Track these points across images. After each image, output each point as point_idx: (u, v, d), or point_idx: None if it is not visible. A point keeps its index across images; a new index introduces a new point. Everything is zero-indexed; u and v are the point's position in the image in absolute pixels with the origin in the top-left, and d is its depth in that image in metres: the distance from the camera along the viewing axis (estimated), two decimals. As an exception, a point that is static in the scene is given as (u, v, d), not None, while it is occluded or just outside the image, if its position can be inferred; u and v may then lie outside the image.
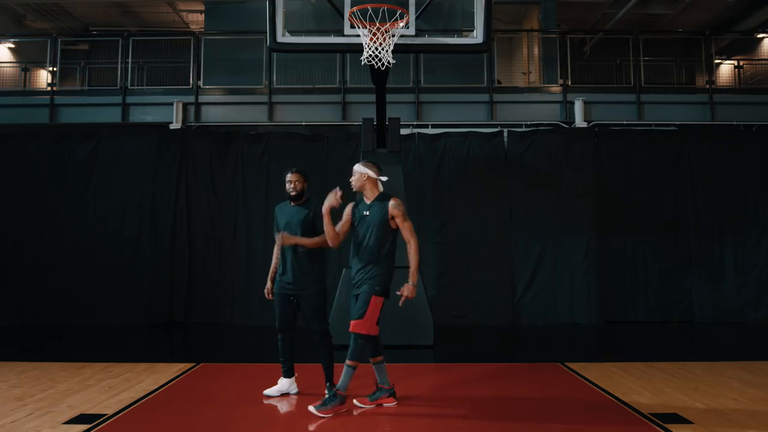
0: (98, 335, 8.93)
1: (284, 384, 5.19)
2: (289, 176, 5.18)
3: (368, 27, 6.35)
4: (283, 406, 4.89)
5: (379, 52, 6.39)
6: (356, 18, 6.40)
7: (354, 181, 4.92)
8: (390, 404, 4.83)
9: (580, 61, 12.15)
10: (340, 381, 4.66)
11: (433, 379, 6.12)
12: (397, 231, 4.80)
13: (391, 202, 4.75)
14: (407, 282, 4.65)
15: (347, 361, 4.67)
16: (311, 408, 4.59)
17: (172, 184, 10.28)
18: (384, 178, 4.94)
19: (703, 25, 14.15)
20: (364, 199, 4.92)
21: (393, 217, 4.73)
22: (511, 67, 13.39)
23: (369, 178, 4.88)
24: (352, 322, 4.68)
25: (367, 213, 4.81)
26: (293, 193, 5.15)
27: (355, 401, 4.82)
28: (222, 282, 10.08)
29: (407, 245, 4.72)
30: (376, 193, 4.87)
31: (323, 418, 4.50)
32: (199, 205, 10.30)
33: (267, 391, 5.15)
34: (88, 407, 4.76)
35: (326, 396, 4.71)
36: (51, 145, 10.41)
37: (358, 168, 4.92)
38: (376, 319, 4.67)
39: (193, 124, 10.99)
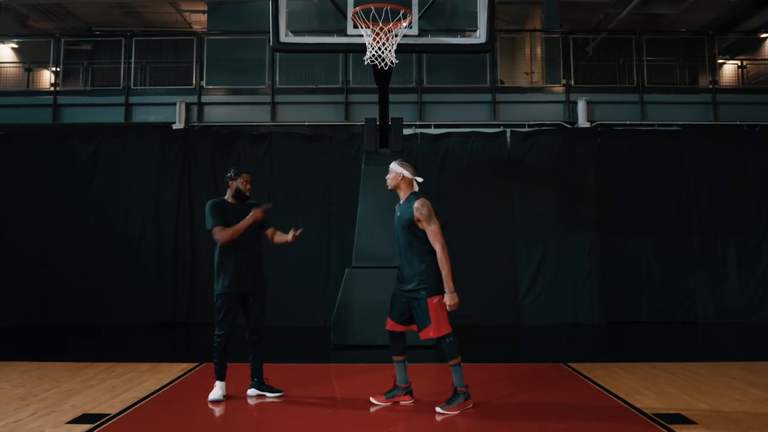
0: (101, 335, 8.95)
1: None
2: (246, 176, 5.25)
3: (371, 27, 6.36)
4: (285, 406, 4.88)
5: (382, 52, 6.39)
6: (359, 18, 6.40)
7: (389, 179, 4.87)
8: (406, 402, 4.84)
9: (582, 61, 12.13)
10: (455, 380, 4.69)
11: (436, 379, 6.11)
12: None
13: (416, 204, 4.64)
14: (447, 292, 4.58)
15: (450, 362, 4.67)
16: (438, 408, 4.64)
17: (174, 184, 10.28)
18: (420, 179, 4.87)
19: (706, 25, 14.12)
20: (399, 198, 4.88)
21: (418, 220, 4.63)
22: (514, 67, 13.40)
23: (404, 177, 4.81)
24: (424, 331, 4.65)
25: (398, 213, 4.80)
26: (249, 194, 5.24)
27: (371, 399, 4.84)
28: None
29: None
30: (409, 193, 4.80)
31: (451, 415, 4.57)
32: (202, 204, 10.23)
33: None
34: (91, 407, 4.76)
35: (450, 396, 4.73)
36: (54, 145, 10.42)
37: (395, 167, 4.85)
38: (445, 317, 4.62)
39: (195, 124, 11.00)
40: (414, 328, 4.80)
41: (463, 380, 4.69)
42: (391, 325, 4.92)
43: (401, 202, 4.83)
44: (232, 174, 5.27)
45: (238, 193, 5.24)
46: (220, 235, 5.06)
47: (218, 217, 5.09)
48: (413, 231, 4.66)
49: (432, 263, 4.65)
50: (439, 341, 4.68)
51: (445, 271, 4.60)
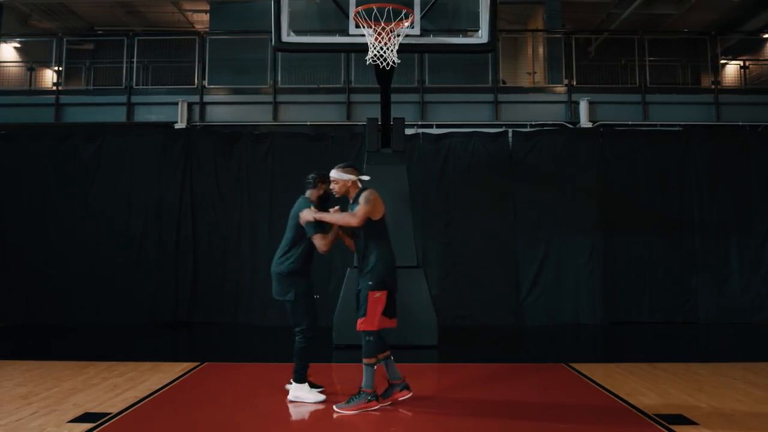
0: (103, 334, 8.95)
1: None
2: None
3: (373, 27, 6.35)
4: (286, 406, 4.88)
5: (384, 52, 6.38)
6: (361, 18, 6.39)
7: (336, 189, 4.93)
8: (405, 397, 4.83)
9: (584, 61, 12.13)
10: (364, 380, 4.68)
11: (437, 379, 6.12)
12: (381, 222, 4.78)
13: (364, 192, 4.78)
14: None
15: (363, 360, 4.67)
16: (335, 406, 4.65)
17: (176, 184, 10.29)
18: (365, 177, 4.94)
19: (709, 26, 14.10)
20: (350, 201, 4.95)
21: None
22: (516, 67, 13.39)
23: (352, 182, 4.91)
24: (358, 321, 4.68)
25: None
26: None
27: (335, 407, 4.72)
28: (226, 281, 10.09)
29: None
30: (357, 192, 4.91)
31: (346, 415, 4.55)
32: (204, 204, 10.31)
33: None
34: (92, 406, 4.77)
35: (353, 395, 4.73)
36: (56, 144, 10.44)
37: (338, 175, 4.90)
38: (380, 313, 4.66)
39: (197, 123, 11.01)
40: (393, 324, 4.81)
41: (373, 382, 4.67)
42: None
43: (351, 203, 4.92)
44: (317, 177, 5.30)
45: (325, 197, 5.30)
46: (321, 243, 4.98)
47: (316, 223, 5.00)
48: (365, 225, 4.74)
49: (381, 257, 4.72)
50: (362, 336, 4.69)
51: (332, 218, 4.82)
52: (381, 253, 4.76)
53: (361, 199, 4.74)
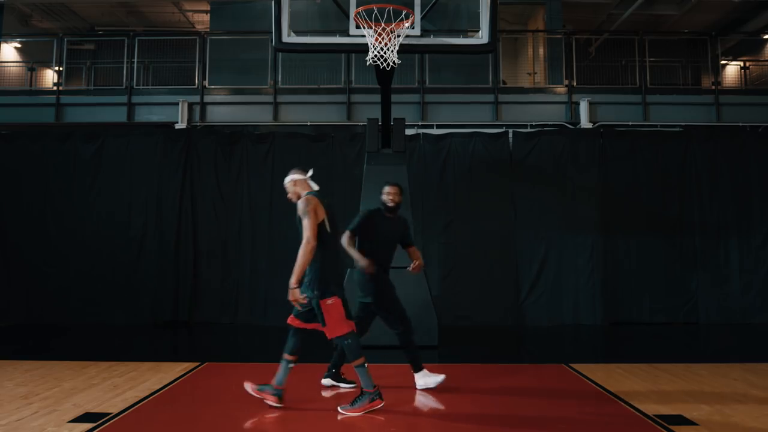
0: (103, 334, 8.95)
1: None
2: (387, 189, 5.37)
3: (373, 27, 6.36)
4: (286, 406, 4.88)
5: (385, 53, 6.39)
6: (361, 18, 6.40)
7: (290, 196, 4.89)
8: (378, 406, 4.63)
9: (585, 62, 12.12)
10: (362, 381, 4.65)
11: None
12: (322, 227, 4.63)
13: (299, 201, 4.66)
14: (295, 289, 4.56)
15: (352, 363, 4.66)
16: (339, 408, 4.64)
17: (177, 184, 10.29)
18: (310, 173, 4.90)
19: (709, 26, 14.09)
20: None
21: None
22: (517, 67, 13.40)
23: (297, 182, 4.85)
24: (325, 331, 4.66)
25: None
26: (391, 205, 5.34)
27: (339, 408, 4.70)
28: (227, 281, 10.09)
29: None
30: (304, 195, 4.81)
31: (352, 416, 4.53)
32: (204, 204, 10.31)
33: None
34: (92, 406, 4.77)
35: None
36: (57, 144, 10.44)
37: (287, 183, 4.90)
38: (340, 317, 4.60)
39: (198, 123, 11.02)
40: (316, 326, 4.75)
41: (371, 380, 4.63)
42: (291, 318, 4.80)
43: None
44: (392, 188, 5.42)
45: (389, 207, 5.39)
46: (343, 242, 5.20)
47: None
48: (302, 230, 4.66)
49: (321, 264, 4.61)
50: (336, 343, 4.69)
51: (297, 265, 4.49)
52: (323, 260, 4.62)
53: (300, 212, 4.57)
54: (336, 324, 4.60)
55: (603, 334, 9.32)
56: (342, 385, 5.39)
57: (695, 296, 10.07)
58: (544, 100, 11.33)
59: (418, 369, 5.40)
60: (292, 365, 4.73)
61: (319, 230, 4.58)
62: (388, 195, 5.34)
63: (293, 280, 4.50)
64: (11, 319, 9.77)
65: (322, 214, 4.63)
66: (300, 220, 4.59)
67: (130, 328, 9.42)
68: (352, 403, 4.63)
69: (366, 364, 4.66)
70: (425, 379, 5.35)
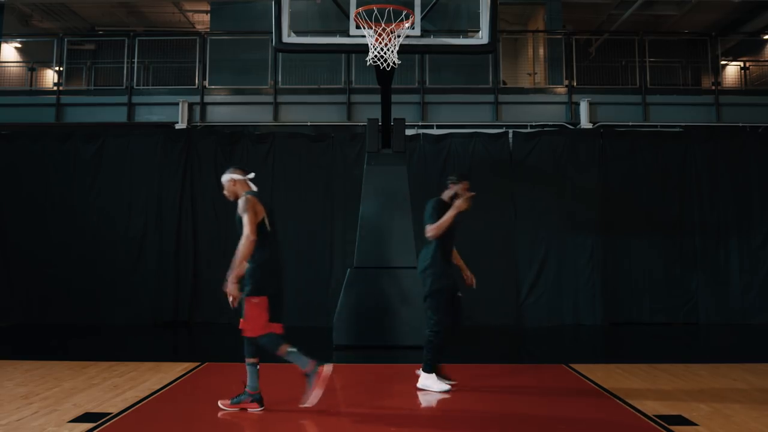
0: (103, 334, 8.96)
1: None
2: (463, 183, 5.56)
3: (374, 27, 6.36)
4: (286, 406, 4.88)
5: (385, 53, 6.40)
6: (362, 18, 6.41)
7: (228, 194, 4.93)
8: (254, 410, 4.65)
9: (585, 62, 12.13)
10: (248, 381, 4.68)
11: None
12: (262, 226, 4.70)
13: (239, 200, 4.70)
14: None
15: (246, 360, 4.68)
16: (220, 403, 4.69)
17: (177, 184, 10.29)
18: (251, 175, 4.94)
19: (709, 26, 14.10)
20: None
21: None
22: (517, 67, 13.40)
23: (237, 181, 4.87)
24: (240, 322, 4.66)
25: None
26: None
27: (219, 403, 4.73)
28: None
29: None
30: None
31: (227, 411, 4.61)
32: (204, 204, 10.31)
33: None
34: (93, 406, 4.77)
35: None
36: (57, 144, 10.44)
37: (224, 181, 4.93)
38: (260, 319, 4.59)
39: (198, 123, 11.03)
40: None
41: (257, 383, 4.67)
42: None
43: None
44: (455, 179, 5.60)
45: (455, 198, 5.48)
46: (432, 234, 5.36)
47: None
48: (241, 229, 4.71)
49: (260, 262, 4.66)
50: (245, 338, 4.69)
51: (236, 259, 4.57)
52: (261, 258, 4.66)
53: (240, 209, 4.63)
54: (253, 323, 4.59)
55: (603, 334, 9.32)
56: (444, 385, 5.33)
57: (695, 296, 10.07)
58: (544, 101, 11.34)
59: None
60: (258, 366, 4.74)
61: (259, 229, 4.65)
62: (460, 188, 5.49)
63: (232, 275, 4.56)
64: (11, 319, 9.77)
65: (262, 214, 4.71)
66: (240, 219, 4.65)
67: (130, 328, 9.42)
68: (234, 399, 4.68)
69: (258, 366, 4.68)
70: (429, 382, 5.33)
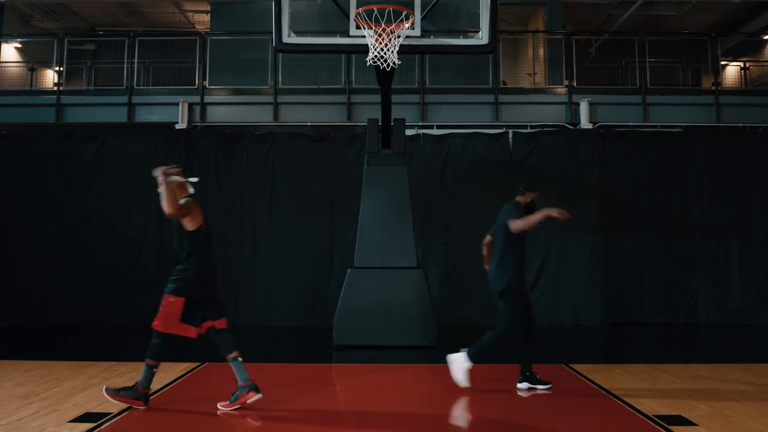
0: (103, 334, 8.96)
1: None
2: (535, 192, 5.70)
3: (374, 28, 6.36)
4: (286, 406, 4.89)
5: (385, 53, 6.40)
6: (362, 19, 6.41)
7: (161, 190, 4.97)
8: (254, 398, 4.70)
9: (585, 62, 12.13)
10: (141, 377, 4.75)
11: (437, 380, 6.11)
12: (198, 233, 4.89)
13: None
14: None
15: (146, 360, 4.75)
16: (219, 405, 4.69)
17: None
18: (193, 179, 5.10)
19: (709, 27, 14.10)
20: None
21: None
22: (517, 67, 13.40)
23: (178, 185, 5.02)
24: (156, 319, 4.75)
25: None
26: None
27: (218, 405, 4.75)
28: (227, 282, 10.05)
29: None
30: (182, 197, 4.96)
31: (116, 403, 4.66)
32: (204, 204, 10.11)
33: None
34: (93, 406, 4.78)
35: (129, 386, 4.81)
36: (57, 144, 10.44)
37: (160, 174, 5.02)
38: (171, 318, 4.72)
39: (198, 123, 11.03)
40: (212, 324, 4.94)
41: (150, 383, 4.74)
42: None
43: None
44: (529, 186, 5.73)
45: (531, 206, 5.62)
46: (519, 223, 5.40)
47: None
48: (185, 234, 4.91)
49: (192, 267, 4.82)
50: (153, 335, 4.80)
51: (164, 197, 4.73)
52: (195, 263, 4.84)
53: (182, 204, 4.86)
54: (165, 319, 4.75)
55: (603, 334, 9.33)
56: (539, 387, 5.36)
57: (695, 296, 10.06)
58: (544, 101, 11.34)
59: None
60: (240, 359, 4.84)
61: (199, 237, 4.87)
62: (535, 196, 5.67)
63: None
64: (11, 319, 9.77)
65: (200, 222, 4.93)
66: (177, 222, 4.86)
67: (130, 328, 9.40)
68: (118, 390, 4.73)
69: (156, 369, 4.75)
70: (459, 361, 5.37)
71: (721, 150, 10.42)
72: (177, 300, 4.73)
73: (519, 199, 5.65)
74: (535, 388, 5.36)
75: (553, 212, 5.22)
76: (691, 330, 9.59)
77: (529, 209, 5.56)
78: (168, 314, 4.72)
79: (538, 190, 5.69)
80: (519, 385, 5.38)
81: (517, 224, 5.36)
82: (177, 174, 4.98)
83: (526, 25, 14.75)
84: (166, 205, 4.66)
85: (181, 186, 4.97)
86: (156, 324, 4.74)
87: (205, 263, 4.90)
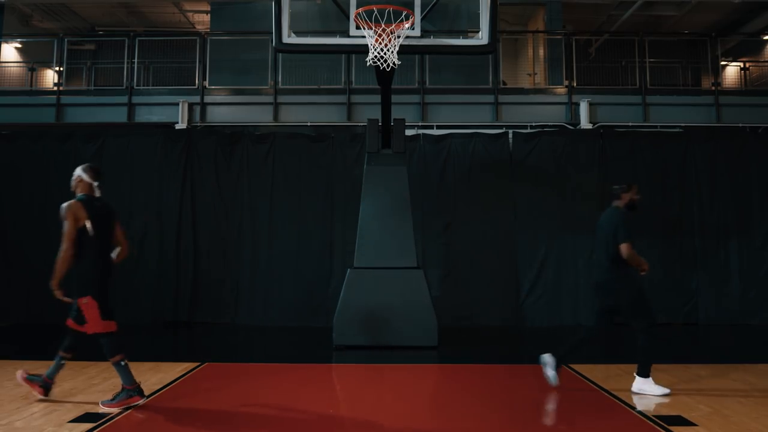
0: (103, 334, 8.94)
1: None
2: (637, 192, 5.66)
3: (374, 28, 6.37)
4: (287, 406, 4.89)
5: (385, 53, 6.40)
6: (362, 19, 6.41)
7: (73, 188, 5.16)
8: (137, 403, 4.75)
9: (585, 63, 12.13)
10: (122, 378, 4.79)
11: (437, 380, 6.13)
12: (83, 231, 4.98)
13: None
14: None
15: (110, 360, 4.86)
16: (101, 403, 4.76)
17: (177, 184, 10.29)
18: (96, 183, 5.18)
19: (709, 27, 14.09)
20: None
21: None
22: (517, 68, 13.41)
23: (82, 180, 5.14)
24: (84, 327, 4.95)
25: None
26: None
27: (100, 403, 4.80)
28: (227, 282, 10.09)
29: None
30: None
31: (111, 412, 4.63)
32: (204, 204, 10.32)
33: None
34: (93, 406, 4.78)
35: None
36: (57, 144, 10.44)
37: (77, 172, 5.24)
38: (96, 316, 4.89)
39: (198, 124, 11.03)
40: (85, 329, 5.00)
41: (132, 378, 4.77)
42: (69, 321, 5.12)
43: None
44: (625, 187, 5.75)
45: (632, 205, 5.67)
46: (628, 253, 5.41)
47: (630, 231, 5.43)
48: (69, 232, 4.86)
49: (83, 266, 4.95)
50: (99, 339, 4.88)
51: (55, 270, 4.88)
52: (85, 262, 4.96)
53: (61, 215, 4.95)
54: (93, 321, 4.89)
55: (603, 334, 9.29)
56: (663, 389, 5.27)
57: (695, 296, 10.06)
58: (544, 101, 11.34)
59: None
60: (63, 362, 5.09)
61: (80, 234, 4.94)
62: (634, 192, 5.71)
63: (53, 283, 4.89)
64: (11, 319, 9.77)
65: (83, 219, 4.94)
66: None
67: (130, 328, 9.36)
68: (113, 398, 4.76)
69: (124, 362, 4.81)
70: (646, 386, 5.30)
71: (721, 150, 10.42)
72: (88, 299, 4.92)
73: (617, 203, 5.67)
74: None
75: (646, 268, 5.48)
76: (691, 330, 9.59)
77: (630, 207, 5.66)
78: (90, 315, 4.94)
79: (631, 186, 5.71)
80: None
81: (627, 254, 5.42)
82: (88, 173, 5.25)
83: (526, 25, 14.75)
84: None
85: (84, 185, 5.18)
86: (89, 330, 4.96)
87: (94, 261, 5.06)
